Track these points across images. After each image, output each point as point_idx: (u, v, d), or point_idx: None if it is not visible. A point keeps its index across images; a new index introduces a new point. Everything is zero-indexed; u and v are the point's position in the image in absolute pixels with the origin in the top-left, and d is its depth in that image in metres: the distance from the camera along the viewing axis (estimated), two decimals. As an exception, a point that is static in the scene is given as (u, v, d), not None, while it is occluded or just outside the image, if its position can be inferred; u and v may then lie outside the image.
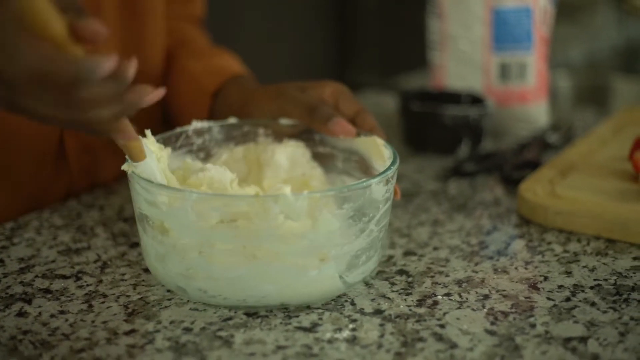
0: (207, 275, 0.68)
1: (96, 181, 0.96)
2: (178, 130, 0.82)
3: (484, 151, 1.05)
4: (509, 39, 1.10)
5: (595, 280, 0.75)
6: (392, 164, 0.72)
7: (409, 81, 1.41)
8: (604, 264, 0.78)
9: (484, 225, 0.86)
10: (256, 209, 0.66)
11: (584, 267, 0.77)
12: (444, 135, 1.04)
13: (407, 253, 0.80)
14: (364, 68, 2.45)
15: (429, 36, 1.15)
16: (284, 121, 0.82)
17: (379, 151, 0.76)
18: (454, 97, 1.10)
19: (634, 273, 0.76)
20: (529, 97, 1.12)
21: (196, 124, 0.82)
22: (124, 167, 0.70)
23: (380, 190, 0.70)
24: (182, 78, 0.98)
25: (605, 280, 0.75)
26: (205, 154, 0.83)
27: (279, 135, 0.83)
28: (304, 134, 0.82)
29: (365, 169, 0.78)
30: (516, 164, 0.99)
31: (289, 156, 0.80)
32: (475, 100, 1.08)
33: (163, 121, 1.04)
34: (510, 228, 0.86)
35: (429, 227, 0.85)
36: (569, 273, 0.76)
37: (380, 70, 2.43)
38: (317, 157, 0.82)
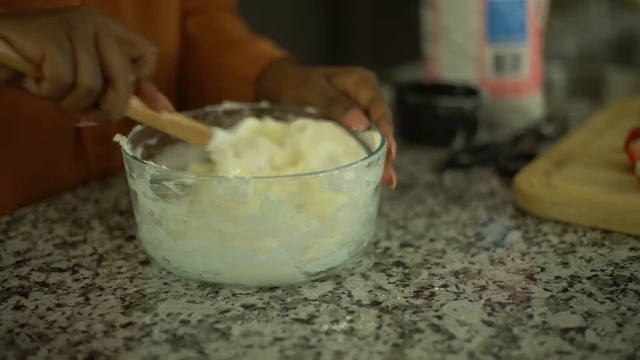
0: (167, 246, 0.71)
1: (108, 171, 0.96)
2: (207, 109, 0.83)
3: (478, 143, 1.05)
4: (503, 30, 1.09)
5: (592, 270, 0.75)
6: (371, 155, 0.72)
7: (403, 73, 1.41)
8: (601, 254, 0.78)
9: (480, 216, 0.86)
10: (203, 189, 0.68)
11: (581, 257, 0.77)
12: (438, 127, 1.04)
13: (404, 245, 0.80)
14: (356, 60, 2.44)
15: (423, 28, 1.15)
16: (310, 109, 0.83)
17: (375, 146, 0.76)
18: (448, 89, 1.10)
19: (631, 264, 0.76)
20: (524, 88, 1.12)
21: (227, 105, 0.84)
22: (115, 138, 0.74)
23: (337, 184, 0.70)
24: (222, 72, 0.98)
25: (602, 270, 0.75)
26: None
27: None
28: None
29: None
30: (511, 155, 0.99)
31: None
32: (470, 91, 1.08)
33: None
34: (507, 219, 0.86)
35: (425, 218, 0.85)
36: (565, 264, 0.76)
37: (373, 62, 2.43)
38: None
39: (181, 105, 1.05)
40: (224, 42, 1.01)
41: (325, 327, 0.66)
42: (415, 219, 0.85)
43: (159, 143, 0.80)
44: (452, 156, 0.99)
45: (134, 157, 0.71)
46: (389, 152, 0.77)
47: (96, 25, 0.69)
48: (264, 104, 0.85)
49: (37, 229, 0.82)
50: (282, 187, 0.69)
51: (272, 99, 0.88)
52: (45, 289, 0.72)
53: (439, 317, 0.67)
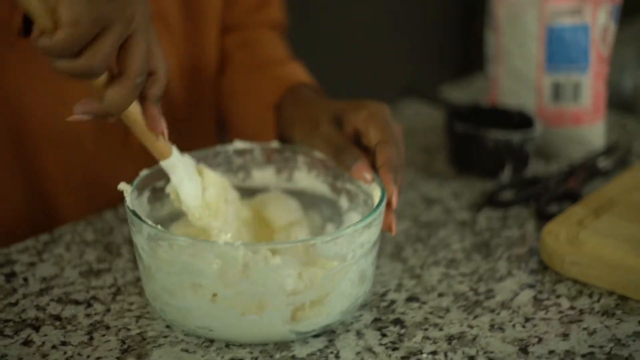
0: (164, 300, 0.74)
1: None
2: (218, 148, 0.85)
3: (530, 174, 1.03)
4: (564, 58, 1.06)
5: (590, 346, 0.73)
6: (366, 217, 0.73)
7: (464, 89, 1.36)
8: (607, 326, 0.76)
9: (500, 269, 0.85)
10: (194, 252, 0.70)
11: (584, 329, 0.76)
12: (486, 158, 1.03)
13: (410, 299, 0.80)
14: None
15: (486, 48, 1.13)
16: (319, 154, 0.84)
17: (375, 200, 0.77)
18: (504, 115, 1.07)
19: (634, 340, 0.74)
20: (584, 118, 1.08)
21: (237, 144, 0.86)
22: (120, 186, 0.76)
23: (328, 248, 0.71)
24: (247, 95, 0.97)
25: (601, 347, 0.73)
26: (245, 175, 0.87)
27: (316, 166, 0.85)
28: (337, 168, 0.83)
29: None
30: (554, 195, 0.97)
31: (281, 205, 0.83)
32: (526, 119, 1.06)
33: (218, 134, 1.06)
34: (525, 275, 0.84)
35: (443, 267, 0.85)
36: (565, 336, 0.75)
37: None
38: (346, 194, 0.84)
39: (218, 128, 1.05)
40: (256, 63, 0.99)
41: (302, 392, 0.68)
42: (432, 267, 0.85)
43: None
44: (494, 193, 0.98)
45: (134, 213, 0.74)
46: (389, 202, 0.77)
47: (140, 22, 0.67)
48: (274, 144, 0.86)
49: (70, 252, 0.87)
50: (273, 253, 0.70)
51: (287, 134, 0.88)
52: (57, 323, 0.76)
53: (416, 391, 0.68)
